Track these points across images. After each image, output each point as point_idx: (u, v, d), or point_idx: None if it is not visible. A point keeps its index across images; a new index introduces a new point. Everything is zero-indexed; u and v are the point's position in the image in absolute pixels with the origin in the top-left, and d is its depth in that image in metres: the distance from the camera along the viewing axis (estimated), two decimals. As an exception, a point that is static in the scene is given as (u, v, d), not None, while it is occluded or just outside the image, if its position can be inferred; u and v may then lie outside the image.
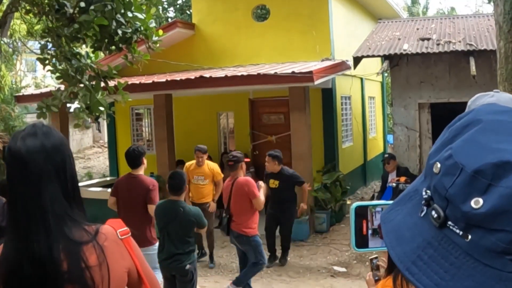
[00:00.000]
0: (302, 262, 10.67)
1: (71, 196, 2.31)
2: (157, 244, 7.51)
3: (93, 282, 2.16)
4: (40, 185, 2.21)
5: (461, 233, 0.80)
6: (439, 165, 0.85)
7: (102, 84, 8.44)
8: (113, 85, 8.57)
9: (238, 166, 8.38)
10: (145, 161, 7.79)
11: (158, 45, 8.47)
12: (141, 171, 7.72)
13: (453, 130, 0.90)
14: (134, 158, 7.66)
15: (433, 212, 0.84)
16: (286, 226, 10.54)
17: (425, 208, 0.87)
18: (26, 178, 2.22)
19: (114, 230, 2.31)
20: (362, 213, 1.78)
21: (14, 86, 22.27)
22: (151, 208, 7.41)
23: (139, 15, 7.91)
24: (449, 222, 0.82)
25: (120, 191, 7.80)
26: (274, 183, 10.33)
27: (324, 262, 10.50)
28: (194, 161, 10.72)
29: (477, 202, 0.77)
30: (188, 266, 6.90)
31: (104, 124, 26.18)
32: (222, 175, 10.77)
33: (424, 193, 0.88)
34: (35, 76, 26.99)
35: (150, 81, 12.98)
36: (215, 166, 10.93)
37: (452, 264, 0.80)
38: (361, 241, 1.81)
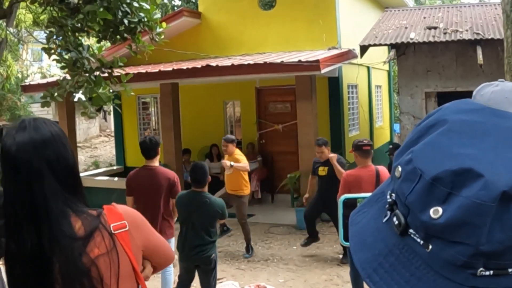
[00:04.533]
0: (308, 251, 10.67)
1: (72, 188, 2.27)
2: (173, 239, 7.50)
3: (98, 274, 2.12)
4: (31, 182, 2.17)
5: (422, 242, 0.77)
6: (400, 169, 0.81)
7: (106, 74, 8.44)
8: (117, 75, 8.56)
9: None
10: (159, 152, 7.58)
11: (162, 37, 8.46)
12: (156, 162, 7.52)
13: (418, 130, 0.86)
14: (150, 149, 7.40)
15: (395, 219, 0.81)
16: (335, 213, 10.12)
17: (388, 213, 0.84)
18: (16, 177, 2.19)
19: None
20: (350, 205, 1.75)
21: (20, 75, 22.27)
22: (173, 202, 7.31)
23: (144, 5, 7.90)
24: (411, 230, 0.78)
25: (137, 186, 7.49)
26: (324, 170, 9.95)
27: (330, 251, 10.51)
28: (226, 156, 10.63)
29: (436, 212, 0.74)
30: (212, 255, 6.95)
31: (110, 113, 26.22)
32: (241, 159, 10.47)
33: (388, 196, 0.84)
34: (41, 65, 26.98)
35: (157, 70, 12.99)
36: (241, 154, 10.76)
37: (413, 275, 0.77)
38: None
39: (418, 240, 0.77)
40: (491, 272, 0.73)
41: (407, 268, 0.78)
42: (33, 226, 2.14)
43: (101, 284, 2.13)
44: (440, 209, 0.73)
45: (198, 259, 6.93)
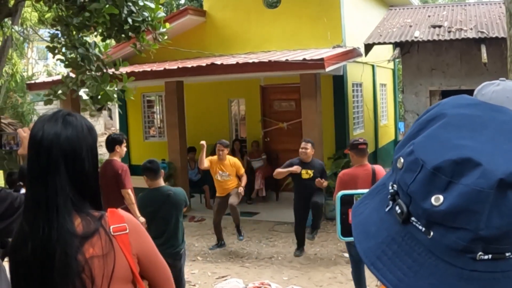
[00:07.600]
0: (312, 249, 10.69)
1: (81, 189, 2.31)
2: None
3: (90, 274, 2.16)
4: (47, 174, 2.23)
5: (423, 229, 0.79)
6: (402, 160, 0.84)
7: (111, 72, 8.50)
8: (121, 73, 8.62)
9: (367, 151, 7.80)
10: (119, 149, 8.13)
11: (165, 37, 8.51)
12: (115, 157, 8.13)
13: (418, 124, 0.89)
14: (110, 142, 8.15)
15: (397, 208, 0.83)
16: (319, 207, 10.09)
17: (390, 203, 0.87)
18: (38, 165, 2.25)
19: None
20: (347, 202, 1.77)
21: (25, 73, 22.29)
22: (124, 193, 7.83)
23: (149, 4, 7.93)
24: (413, 218, 0.81)
25: (100, 176, 8.06)
26: (308, 173, 9.83)
27: (334, 249, 10.52)
28: (216, 156, 10.59)
29: (437, 200, 0.77)
30: (182, 250, 7.05)
31: (115, 111, 26.24)
32: (243, 169, 10.99)
33: (390, 187, 0.88)
34: (47, 63, 26.99)
35: (162, 68, 13.00)
36: (236, 161, 10.92)
37: (415, 261, 0.80)
38: (347, 230, 1.78)
39: (420, 227, 0.80)
40: (490, 256, 0.76)
41: (409, 254, 0.80)
42: (46, 216, 2.19)
43: (91, 284, 2.17)
44: (441, 197, 0.76)
45: (168, 255, 6.83)
